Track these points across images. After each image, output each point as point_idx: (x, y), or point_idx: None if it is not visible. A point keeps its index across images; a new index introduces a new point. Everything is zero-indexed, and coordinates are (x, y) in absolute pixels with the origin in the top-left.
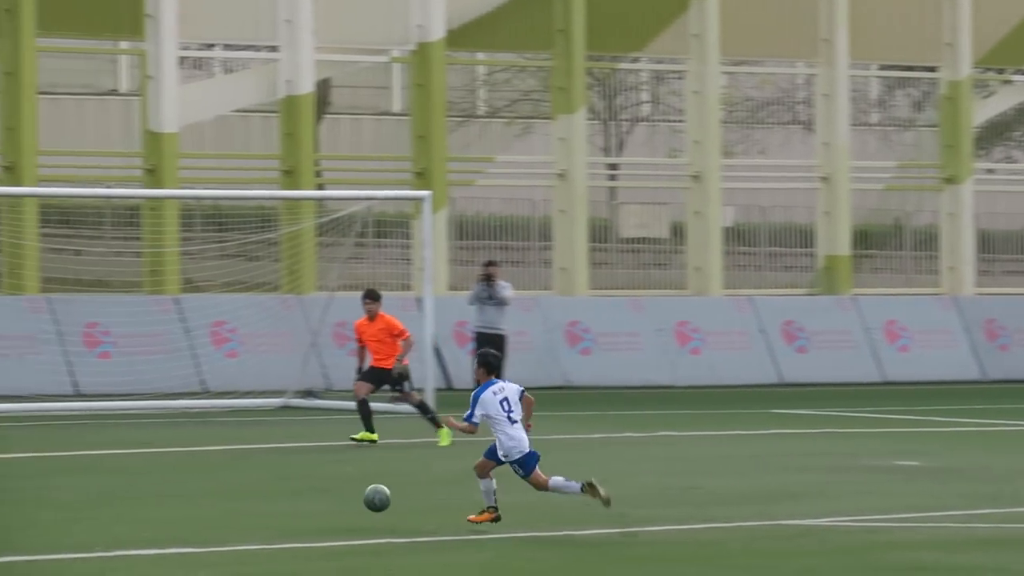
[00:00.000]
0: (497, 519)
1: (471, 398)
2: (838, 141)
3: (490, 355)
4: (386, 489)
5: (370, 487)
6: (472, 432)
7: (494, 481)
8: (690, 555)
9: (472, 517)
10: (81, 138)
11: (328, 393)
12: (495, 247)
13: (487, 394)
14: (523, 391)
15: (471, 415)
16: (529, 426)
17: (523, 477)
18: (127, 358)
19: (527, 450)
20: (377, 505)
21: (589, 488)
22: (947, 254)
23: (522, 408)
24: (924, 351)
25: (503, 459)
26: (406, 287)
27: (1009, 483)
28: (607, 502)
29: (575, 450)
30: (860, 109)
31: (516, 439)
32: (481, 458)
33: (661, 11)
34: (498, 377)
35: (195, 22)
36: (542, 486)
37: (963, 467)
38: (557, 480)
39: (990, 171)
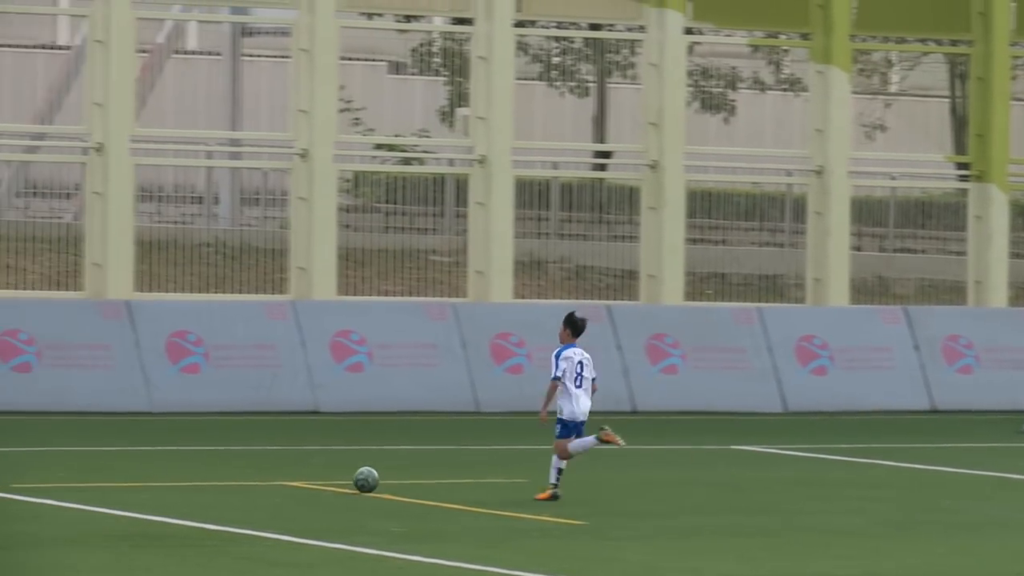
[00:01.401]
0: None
1: (553, 357)
2: None
3: (578, 318)
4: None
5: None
6: (556, 388)
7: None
8: None
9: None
10: None
11: None
12: None
13: (568, 352)
14: (594, 378)
15: (556, 372)
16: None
17: (556, 436)
18: None
19: (577, 418)
20: (367, 485)
21: (603, 433)
22: None
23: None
24: None
25: (558, 416)
26: None
27: None
28: (617, 442)
29: None
30: None
31: (573, 404)
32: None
33: None
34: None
35: None
36: (564, 454)
37: None
38: (575, 444)
39: None
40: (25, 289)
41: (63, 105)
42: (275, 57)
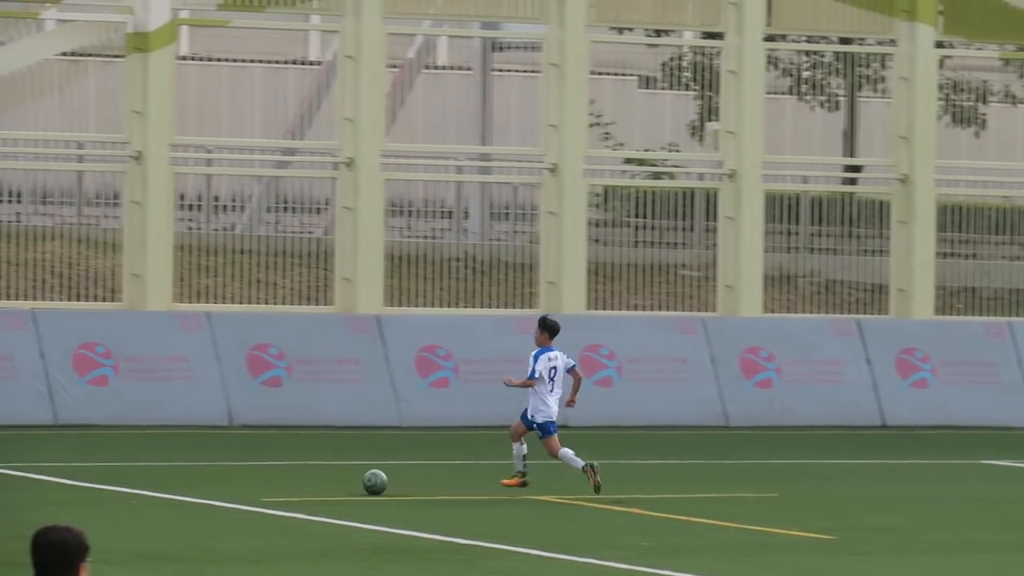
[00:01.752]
0: (525, 484)
1: (532, 358)
2: None
3: (551, 321)
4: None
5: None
6: (532, 386)
7: (525, 446)
8: None
9: (505, 481)
10: None
11: None
12: None
13: (543, 358)
14: (574, 365)
15: (533, 372)
16: (572, 403)
17: (540, 439)
18: None
19: (552, 418)
20: (374, 488)
21: (589, 470)
22: None
23: (573, 381)
24: None
25: (531, 419)
26: None
27: None
28: (596, 488)
29: None
30: None
31: (549, 407)
32: (517, 421)
33: None
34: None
35: None
36: (554, 453)
37: None
38: (567, 452)
39: None
40: (276, 304)
41: (314, 120)
42: (525, 72)
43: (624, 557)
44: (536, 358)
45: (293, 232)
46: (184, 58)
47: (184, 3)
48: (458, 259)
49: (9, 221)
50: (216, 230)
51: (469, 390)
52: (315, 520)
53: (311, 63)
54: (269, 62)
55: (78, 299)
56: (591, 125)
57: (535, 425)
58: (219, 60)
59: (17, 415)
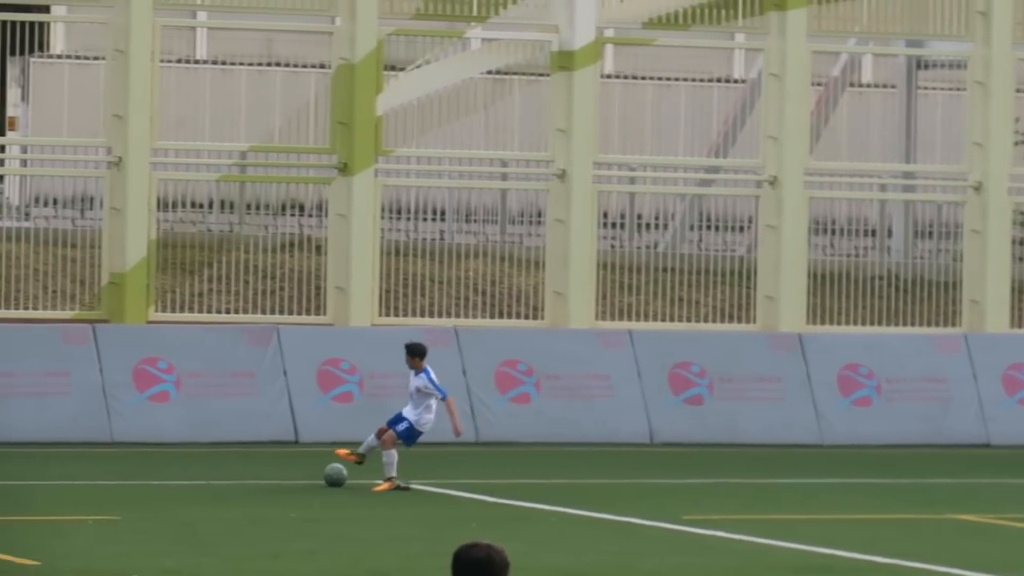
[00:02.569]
0: (401, 487)
1: (431, 383)
2: None
3: (416, 344)
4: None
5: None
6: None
7: (395, 453)
8: None
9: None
10: None
11: None
12: None
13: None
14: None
15: (443, 391)
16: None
17: (398, 434)
18: None
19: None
20: (333, 479)
21: (393, 482)
22: None
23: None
24: None
25: (419, 428)
26: None
27: None
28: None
29: None
30: None
31: (430, 420)
32: (389, 430)
33: None
34: None
35: None
36: (387, 447)
37: None
38: (392, 455)
39: None
40: (697, 322)
41: (737, 138)
42: (950, 89)
43: None
44: (434, 382)
45: (716, 250)
46: (608, 76)
47: (609, 22)
48: (881, 277)
49: (433, 239)
50: (639, 248)
51: (891, 409)
52: (735, 538)
53: (735, 81)
54: (693, 80)
55: (500, 317)
56: (1016, 143)
57: (410, 425)
58: (643, 78)
59: (435, 433)
